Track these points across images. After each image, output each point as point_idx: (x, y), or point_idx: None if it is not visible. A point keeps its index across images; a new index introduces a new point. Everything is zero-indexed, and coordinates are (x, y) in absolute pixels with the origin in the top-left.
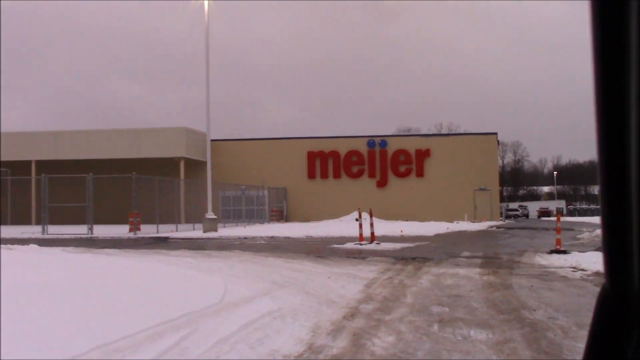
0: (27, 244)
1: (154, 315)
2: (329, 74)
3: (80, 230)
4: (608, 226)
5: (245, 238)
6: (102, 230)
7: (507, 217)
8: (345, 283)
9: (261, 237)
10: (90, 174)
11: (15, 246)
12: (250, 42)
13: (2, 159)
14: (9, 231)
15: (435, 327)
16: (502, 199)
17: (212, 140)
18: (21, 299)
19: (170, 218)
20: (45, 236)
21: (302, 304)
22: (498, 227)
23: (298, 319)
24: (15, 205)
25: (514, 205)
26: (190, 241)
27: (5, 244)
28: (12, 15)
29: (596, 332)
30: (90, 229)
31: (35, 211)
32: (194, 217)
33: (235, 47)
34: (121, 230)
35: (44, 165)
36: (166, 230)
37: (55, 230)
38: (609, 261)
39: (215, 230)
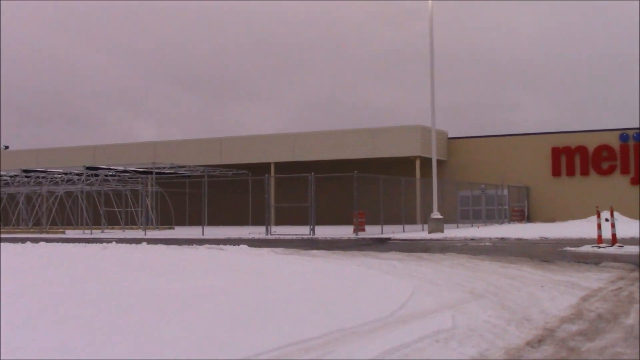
0: (246, 244)
1: (293, 331)
2: (582, 69)
3: (303, 231)
4: None
5: (471, 239)
6: (325, 231)
7: None
8: (558, 294)
9: (489, 238)
10: (312, 173)
11: (227, 247)
12: (498, 39)
13: (246, 162)
14: (240, 231)
15: None
16: None
17: (449, 138)
18: (171, 304)
19: (399, 218)
20: (268, 236)
21: (486, 322)
22: None
23: (466, 344)
24: (255, 206)
25: None
26: (410, 243)
27: (227, 244)
28: (272, 27)
29: None
30: (312, 229)
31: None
32: (426, 217)
33: (482, 45)
34: (345, 231)
35: (282, 167)
36: (392, 231)
37: (281, 231)
38: None
39: (441, 231)
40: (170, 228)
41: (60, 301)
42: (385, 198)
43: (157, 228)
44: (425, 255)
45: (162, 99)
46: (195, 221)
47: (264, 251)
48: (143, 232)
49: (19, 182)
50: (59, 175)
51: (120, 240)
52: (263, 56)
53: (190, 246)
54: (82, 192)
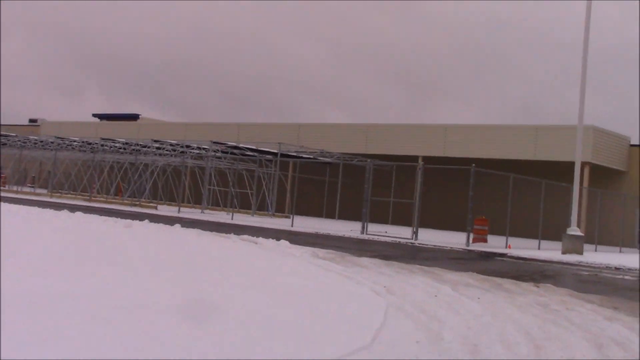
0: (332, 241)
1: None
2: None
3: (405, 233)
4: None
5: (615, 269)
6: (434, 237)
7: None
8: None
9: None
10: (422, 162)
11: (267, 241)
12: None
13: (391, 153)
14: (344, 226)
15: None
16: None
17: (632, 145)
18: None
19: (551, 232)
20: (362, 235)
21: None
22: None
23: None
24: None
25: None
26: (521, 263)
27: (305, 238)
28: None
29: None
30: (415, 232)
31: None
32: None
33: None
34: (460, 239)
35: (431, 162)
36: (522, 246)
37: (383, 230)
38: None
39: (579, 252)
40: (285, 217)
41: None
42: (526, 205)
43: (272, 215)
44: (508, 283)
45: (357, 89)
46: (327, 213)
47: (298, 251)
48: (230, 215)
49: (145, 151)
50: (182, 147)
51: (180, 221)
52: (462, 57)
53: (226, 235)
54: (185, 167)
